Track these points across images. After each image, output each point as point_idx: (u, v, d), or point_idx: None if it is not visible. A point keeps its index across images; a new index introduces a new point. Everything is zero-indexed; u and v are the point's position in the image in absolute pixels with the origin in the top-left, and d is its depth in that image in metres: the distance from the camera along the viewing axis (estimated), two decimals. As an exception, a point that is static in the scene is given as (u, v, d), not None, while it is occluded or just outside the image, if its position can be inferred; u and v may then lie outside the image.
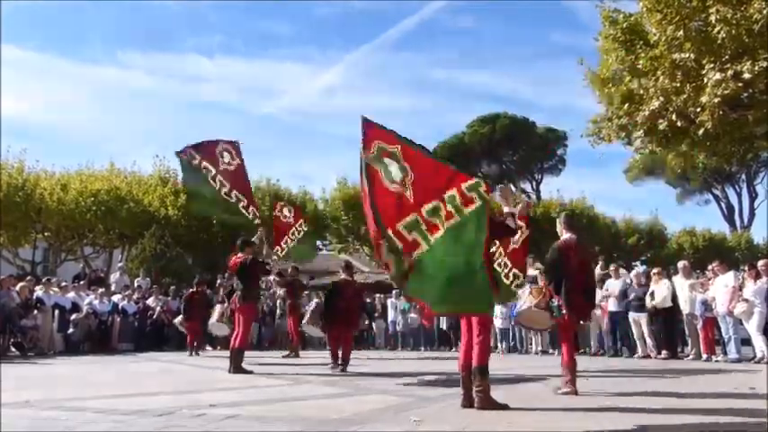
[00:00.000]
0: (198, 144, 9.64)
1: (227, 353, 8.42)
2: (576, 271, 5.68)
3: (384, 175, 4.72)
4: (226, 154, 9.37)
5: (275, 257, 11.59)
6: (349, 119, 78.82)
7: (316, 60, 78.34)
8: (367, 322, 15.18)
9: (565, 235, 5.95)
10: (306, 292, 15.97)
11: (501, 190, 5.03)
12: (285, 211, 11.57)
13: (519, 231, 5.01)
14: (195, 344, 12.21)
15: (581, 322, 6.05)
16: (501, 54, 72.44)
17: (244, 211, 9.38)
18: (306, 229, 11.51)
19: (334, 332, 8.84)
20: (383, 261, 4.72)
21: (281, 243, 11.09)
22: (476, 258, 4.42)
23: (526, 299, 6.22)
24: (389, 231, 4.57)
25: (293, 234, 11.23)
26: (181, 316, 12.77)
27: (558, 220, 6.13)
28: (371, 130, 4.90)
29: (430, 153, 5.06)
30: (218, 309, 11.70)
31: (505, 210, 5.00)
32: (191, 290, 13.02)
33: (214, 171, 9.32)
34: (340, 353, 8.50)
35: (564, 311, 5.58)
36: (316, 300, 10.88)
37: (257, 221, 9.41)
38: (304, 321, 10.40)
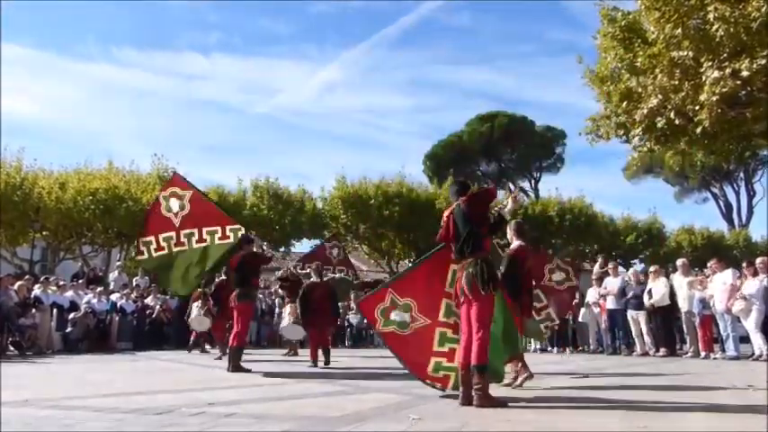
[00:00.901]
0: (146, 222, 8.77)
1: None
2: (526, 274, 6.19)
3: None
4: (173, 202, 8.33)
5: (274, 252, 11.63)
6: (347, 117, 78.75)
7: (313, 58, 78.39)
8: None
9: (515, 242, 6.32)
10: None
11: (515, 199, 5.36)
12: (335, 251, 12.49)
13: (490, 191, 5.21)
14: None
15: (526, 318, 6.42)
16: (498, 52, 72.48)
17: (221, 242, 8.13)
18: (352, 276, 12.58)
19: (312, 333, 9.48)
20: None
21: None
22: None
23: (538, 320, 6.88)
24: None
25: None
26: (196, 312, 11.81)
27: (508, 227, 6.30)
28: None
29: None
30: (196, 306, 11.80)
31: (507, 209, 5.17)
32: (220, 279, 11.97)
33: (173, 233, 8.28)
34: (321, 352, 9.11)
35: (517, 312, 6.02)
36: (290, 305, 10.82)
37: (240, 234, 8.24)
38: (192, 317, 11.63)
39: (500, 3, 69.09)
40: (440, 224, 5.15)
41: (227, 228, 8.04)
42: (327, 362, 8.96)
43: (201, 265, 8.05)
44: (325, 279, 10.32)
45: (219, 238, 7.97)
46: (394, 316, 5.42)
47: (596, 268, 14.01)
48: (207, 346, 13.08)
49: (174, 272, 8.17)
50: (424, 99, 76.91)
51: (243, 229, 8.16)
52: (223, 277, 11.99)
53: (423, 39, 73.30)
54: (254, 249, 8.62)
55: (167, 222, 8.21)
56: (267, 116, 77.85)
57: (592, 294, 12.95)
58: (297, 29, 79.23)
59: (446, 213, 5.02)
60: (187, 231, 8.07)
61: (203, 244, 7.98)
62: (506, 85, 75.19)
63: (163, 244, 8.20)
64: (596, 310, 12.72)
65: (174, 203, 8.18)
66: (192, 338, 12.77)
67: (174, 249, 8.10)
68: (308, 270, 11.10)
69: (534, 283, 6.63)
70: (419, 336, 5.32)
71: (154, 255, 8.26)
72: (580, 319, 13.14)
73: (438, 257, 5.45)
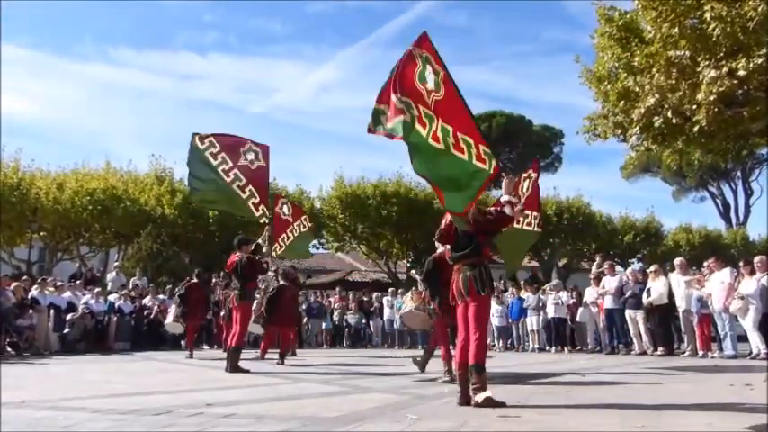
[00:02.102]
0: (222, 136, 9.50)
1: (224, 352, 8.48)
2: (450, 278, 6.13)
3: (419, 72, 4.76)
4: (250, 154, 9.43)
5: (273, 255, 11.64)
6: (344, 116, 78.72)
7: (310, 58, 78.37)
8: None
9: (440, 248, 6.47)
10: (302, 291, 16.02)
11: (505, 180, 5.19)
12: (284, 208, 11.46)
13: (514, 218, 5.08)
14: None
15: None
16: (495, 52, 72.50)
17: (252, 208, 9.24)
18: (306, 227, 11.49)
19: (273, 330, 10.29)
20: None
21: (278, 240, 11.08)
22: (463, 183, 4.68)
23: (408, 302, 7.52)
24: (283, 235, 5.54)
25: (291, 231, 11.19)
26: (172, 317, 12.33)
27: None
28: (427, 44, 4.92)
29: (467, 106, 4.98)
30: (173, 308, 12.11)
31: (504, 198, 5.03)
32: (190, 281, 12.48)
33: (231, 164, 9.22)
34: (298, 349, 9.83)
35: (438, 313, 6.44)
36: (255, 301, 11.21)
37: (264, 221, 9.40)
38: (167, 321, 12.19)
39: (496, 2, 69.17)
40: (439, 224, 5.16)
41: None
42: (282, 360, 9.39)
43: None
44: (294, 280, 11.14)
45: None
46: (427, 71, 4.81)
47: (594, 268, 14.03)
48: (205, 346, 13.11)
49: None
50: (422, 99, 76.63)
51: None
52: (194, 280, 12.26)
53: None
54: (260, 247, 8.79)
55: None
56: (264, 116, 77.85)
57: (590, 294, 12.97)
58: (293, 29, 79.28)
59: (448, 218, 4.98)
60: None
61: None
62: (504, 84, 75.27)
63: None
64: (594, 309, 12.74)
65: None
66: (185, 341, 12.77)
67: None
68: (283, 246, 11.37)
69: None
70: (415, 87, 4.74)
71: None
72: (578, 319, 13.15)
73: (475, 133, 4.87)
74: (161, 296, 15.40)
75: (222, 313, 12.74)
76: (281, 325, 10.04)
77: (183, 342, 13.11)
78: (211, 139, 9.37)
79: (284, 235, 11.05)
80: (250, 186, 9.26)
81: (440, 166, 4.71)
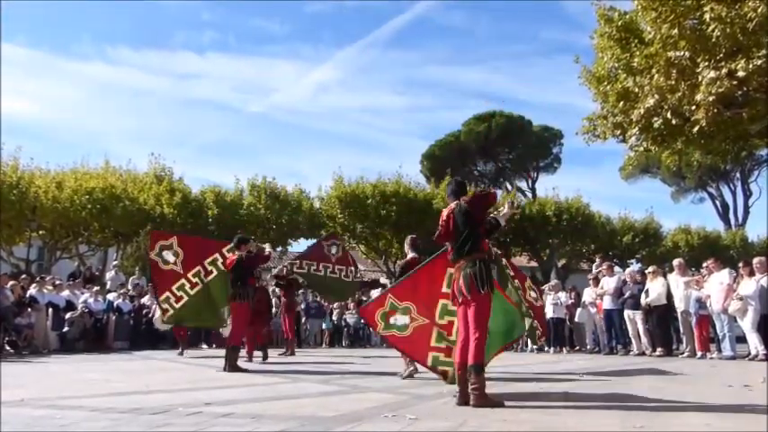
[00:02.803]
0: (158, 294, 9.21)
1: (223, 351, 8.45)
2: None
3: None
4: (166, 254, 8.83)
5: (272, 253, 11.64)
6: (343, 116, 78.69)
7: (308, 58, 78.37)
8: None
9: (410, 254, 7.30)
10: (301, 291, 16.02)
11: (509, 203, 5.42)
12: (332, 248, 11.41)
13: (491, 193, 5.21)
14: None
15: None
16: (493, 52, 72.52)
17: (221, 267, 8.72)
18: (351, 275, 11.32)
19: (250, 332, 10.00)
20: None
21: (319, 268, 11.01)
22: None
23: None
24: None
25: (333, 272, 11.12)
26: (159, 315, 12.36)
27: (405, 242, 7.68)
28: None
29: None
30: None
31: (503, 213, 5.16)
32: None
33: (185, 281, 8.82)
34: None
35: None
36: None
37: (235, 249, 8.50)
38: (155, 318, 12.37)
39: (494, 2, 69.19)
40: (438, 223, 5.13)
41: (224, 250, 8.54)
42: (266, 357, 9.94)
43: (224, 293, 8.42)
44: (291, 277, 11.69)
45: (222, 263, 8.47)
46: (393, 320, 5.87)
47: (594, 268, 14.05)
48: (203, 345, 13.11)
49: (206, 308, 8.81)
50: (420, 99, 76.97)
51: (235, 240, 8.44)
52: None
53: (417, 38, 73.31)
54: (252, 250, 8.69)
55: (172, 274, 8.68)
56: (262, 115, 77.83)
57: (588, 294, 12.97)
58: (291, 28, 79.32)
59: (446, 212, 4.98)
60: (194, 271, 8.55)
61: (213, 275, 8.50)
62: (503, 85, 75.30)
63: (179, 293, 8.60)
64: (593, 310, 12.74)
65: (168, 255, 8.63)
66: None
67: (191, 292, 8.62)
68: (305, 269, 11.27)
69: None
70: (418, 333, 5.85)
71: (177, 306, 8.66)
72: (576, 320, 13.15)
73: (435, 262, 5.90)
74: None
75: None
76: (254, 324, 9.80)
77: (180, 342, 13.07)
78: (164, 295, 8.93)
79: (331, 272, 10.91)
80: (205, 262, 8.79)
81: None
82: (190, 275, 8.65)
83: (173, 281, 8.63)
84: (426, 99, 76.94)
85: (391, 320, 5.90)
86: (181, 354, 11.37)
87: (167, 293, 8.65)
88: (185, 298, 8.68)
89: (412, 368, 6.70)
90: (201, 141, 77.19)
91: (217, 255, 8.69)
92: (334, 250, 11.52)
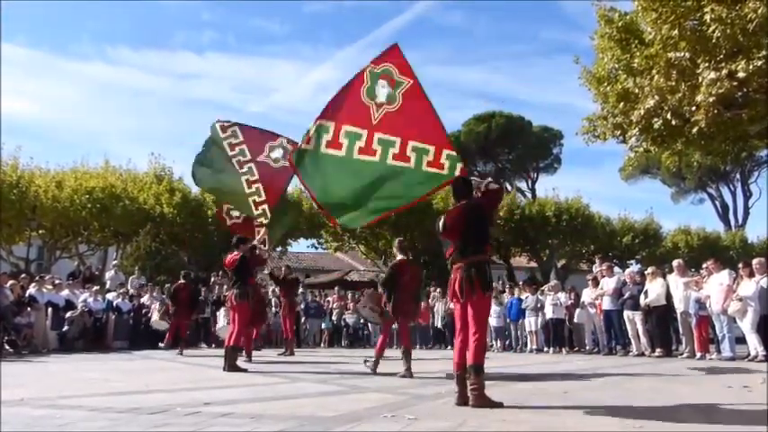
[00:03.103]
0: (251, 129, 9.22)
1: (222, 351, 8.48)
2: (407, 284, 7.36)
3: (367, 89, 5.36)
4: (278, 151, 8.96)
5: (272, 254, 11.66)
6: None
7: (308, 57, 78.39)
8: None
9: (399, 257, 7.63)
10: (300, 291, 16.03)
11: (473, 181, 5.18)
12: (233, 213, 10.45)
13: (501, 188, 5.16)
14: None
15: (413, 322, 8.57)
16: (493, 52, 72.54)
17: (252, 205, 8.96)
18: (267, 211, 10.00)
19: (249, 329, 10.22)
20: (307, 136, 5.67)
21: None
22: (399, 199, 5.47)
23: (367, 299, 8.65)
24: (332, 123, 5.39)
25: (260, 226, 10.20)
26: (156, 315, 12.86)
27: (393, 245, 7.99)
28: (395, 56, 5.38)
29: (435, 113, 5.38)
30: (156, 306, 12.28)
31: (483, 183, 5.08)
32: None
33: (249, 157, 8.95)
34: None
35: (390, 316, 7.41)
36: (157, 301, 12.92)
37: (263, 221, 8.98)
38: (153, 319, 12.65)
39: (493, 3, 69.22)
40: (437, 223, 5.09)
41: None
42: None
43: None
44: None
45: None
46: (380, 85, 5.37)
47: (595, 269, 14.07)
48: (203, 345, 13.12)
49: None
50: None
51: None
52: (182, 281, 12.45)
53: (417, 38, 73.33)
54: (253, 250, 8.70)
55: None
56: (262, 115, 77.81)
57: (587, 294, 12.97)
58: (291, 28, 79.34)
59: (455, 210, 4.88)
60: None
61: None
62: (502, 85, 75.31)
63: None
64: (592, 310, 12.74)
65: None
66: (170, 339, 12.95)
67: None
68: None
69: None
70: (359, 109, 5.40)
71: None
72: (575, 320, 13.15)
73: (437, 135, 5.32)
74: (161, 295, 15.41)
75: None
76: (252, 323, 9.82)
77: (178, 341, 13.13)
78: (235, 129, 9.09)
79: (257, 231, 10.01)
80: (259, 185, 8.89)
81: (360, 176, 5.19)
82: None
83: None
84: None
85: (380, 82, 5.36)
86: (180, 353, 11.43)
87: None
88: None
89: (406, 370, 6.97)
90: (200, 141, 76.91)
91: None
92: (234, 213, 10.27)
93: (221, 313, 12.51)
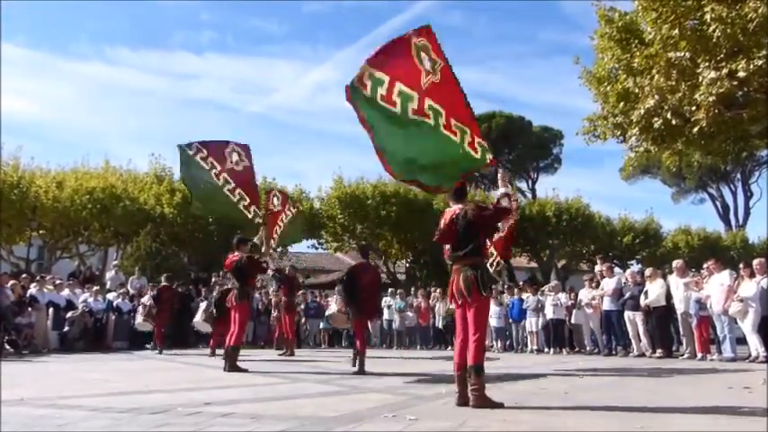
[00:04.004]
0: (207, 142, 9.74)
1: (222, 351, 8.50)
2: (367, 286, 7.85)
3: (416, 53, 5.07)
4: (234, 155, 9.54)
5: (273, 254, 11.74)
6: (342, 116, 78.71)
7: (307, 58, 78.41)
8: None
9: (360, 260, 8.30)
10: (301, 291, 16.03)
11: (500, 173, 5.23)
12: (274, 200, 11.44)
13: (513, 210, 5.13)
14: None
15: (372, 320, 9.12)
16: (492, 52, 72.56)
17: (244, 210, 9.45)
18: (294, 211, 11.54)
19: (220, 328, 10.75)
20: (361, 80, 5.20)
21: (273, 233, 11.09)
22: (448, 170, 5.23)
23: (333, 305, 9.39)
24: (386, 76, 5.02)
25: (281, 220, 11.23)
26: (200, 316, 12.27)
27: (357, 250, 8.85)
28: (429, 35, 5.24)
29: (467, 99, 5.31)
30: (202, 306, 12.39)
31: (501, 190, 5.04)
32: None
33: (220, 168, 9.45)
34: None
35: (354, 315, 7.97)
36: (205, 301, 12.70)
37: (258, 221, 9.46)
38: (196, 320, 12.10)
39: (492, 3, 69.23)
40: (437, 224, 5.11)
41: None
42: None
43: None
44: None
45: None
46: (423, 57, 5.20)
47: (596, 269, 14.07)
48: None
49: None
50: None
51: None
52: (164, 283, 13.05)
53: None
54: (256, 246, 8.77)
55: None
56: (261, 115, 77.80)
57: (584, 295, 12.95)
58: (290, 28, 79.34)
59: (448, 215, 4.93)
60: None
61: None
62: (501, 85, 75.33)
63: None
64: (589, 310, 12.71)
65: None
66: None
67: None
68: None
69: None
70: (411, 69, 5.19)
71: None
72: (573, 320, 13.14)
73: (472, 125, 5.26)
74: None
75: (275, 314, 13.60)
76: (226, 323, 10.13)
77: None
78: (197, 144, 9.59)
79: (276, 226, 11.04)
80: (238, 189, 9.45)
81: (413, 139, 5.04)
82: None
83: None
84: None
85: (422, 54, 5.15)
86: (159, 352, 11.86)
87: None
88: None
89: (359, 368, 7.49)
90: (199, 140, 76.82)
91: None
92: (276, 201, 11.21)
93: (201, 306, 12.56)
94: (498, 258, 8.61)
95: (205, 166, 9.49)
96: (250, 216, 9.50)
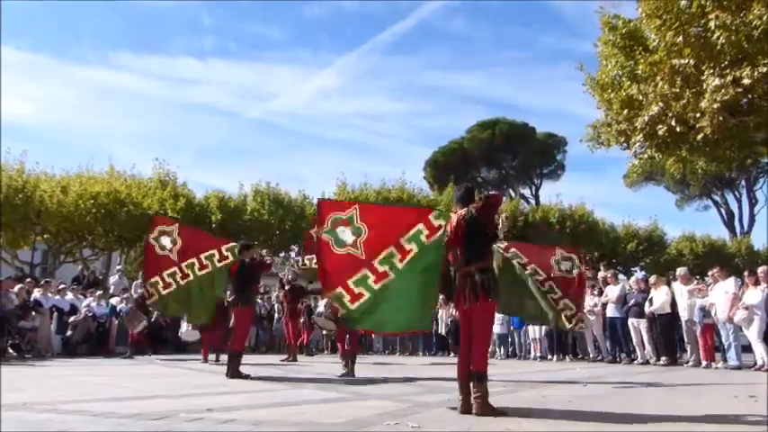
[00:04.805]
0: (146, 275, 8.57)
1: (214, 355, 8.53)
2: None
3: (334, 242, 5.47)
4: (164, 240, 8.38)
5: (273, 258, 11.74)
6: (343, 122, 78.77)
7: (308, 63, 78.64)
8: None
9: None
10: (307, 296, 16.02)
11: (504, 218, 5.37)
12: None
13: (498, 196, 5.16)
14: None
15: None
16: (495, 58, 72.67)
17: (219, 264, 8.30)
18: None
19: (207, 334, 11.20)
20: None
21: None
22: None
23: (323, 307, 9.69)
24: (339, 289, 5.38)
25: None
26: (186, 326, 12.40)
27: None
28: (325, 207, 5.84)
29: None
30: (185, 317, 12.19)
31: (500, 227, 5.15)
32: None
33: (177, 270, 8.28)
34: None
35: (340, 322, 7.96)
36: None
37: (235, 249, 8.34)
38: (182, 330, 11.91)
39: (494, 9, 69.40)
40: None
41: (223, 248, 8.21)
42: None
43: (212, 291, 8.22)
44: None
45: (218, 260, 8.11)
46: (340, 231, 5.47)
47: (600, 275, 14.02)
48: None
49: (193, 302, 8.26)
50: (420, 104, 76.98)
51: (237, 246, 8.30)
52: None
53: (417, 44, 73.52)
54: (254, 256, 8.69)
55: (166, 260, 8.16)
56: (263, 121, 77.97)
57: (587, 301, 12.87)
58: (291, 34, 79.63)
59: (455, 219, 4.94)
60: (188, 262, 8.13)
61: (206, 270, 8.09)
62: (503, 91, 75.39)
63: (169, 280, 8.12)
64: (592, 317, 12.64)
65: (166, 240, 8.24)
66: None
67: (182, 282, 8.10)
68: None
69: (546, 276, 7.17)
70: (346, 261, 5.39)
71: (163, 293, 8.13)
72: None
73: (410, 212, 5.85)
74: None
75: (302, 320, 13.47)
76: (216, 329, 10.79)
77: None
78: (154, 279, 8.38)
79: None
80: (201, 255, 8.36)
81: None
82: (183, 265, 8.17)
83: (165, 267, 8.18)
84: (426, 105, 77.03)
85: (338, 230, 5.46)
86: (130, 357, 11.84)
87: (157, 278, 8.13)
88: (173, 286, 8.16)
89: (348, 369, 8.05)
90: (201, 146, 77.05)
91: (215, 251, 8.24)
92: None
93: (184, 317, 12.41)
94: (568, 302, 7.46)
95: (172, 286, 8.26)
96: (231, 259, 8.31)
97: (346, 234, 5.44)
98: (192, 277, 8.15)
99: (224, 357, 11.90)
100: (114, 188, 20.56)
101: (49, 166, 22.50)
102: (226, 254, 8.21)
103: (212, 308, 8.47)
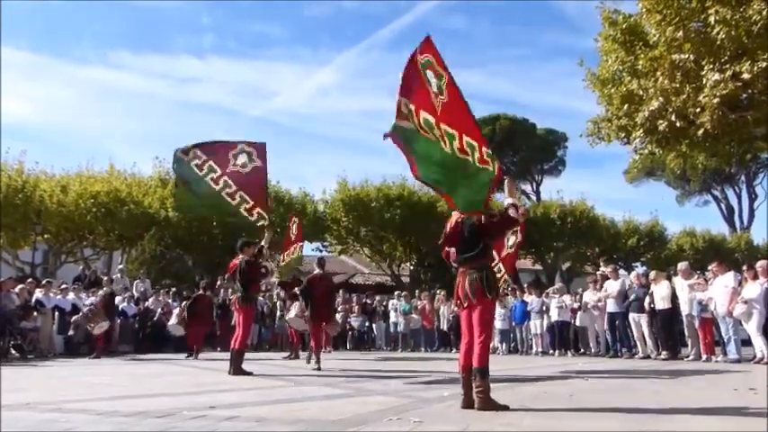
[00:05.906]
0: (210, 144, 9.37)
1: (227, 354, 8.49)
2: (319, 294, 8.97)
3: (422, 71, 4.87)
4: (242, 156, 9.13)
5: (277, 259, 11.81)
6: (343, 120, 78.74)
7: (308, 61, 78.55)
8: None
9: (315, 271, 9.36)
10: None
11: (507, 181, 5.18)
12: (293, 228, 12.25)
13: (519, 221, 5.08)
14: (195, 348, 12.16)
15: (326, 324, 9.63)
16: (496, 55, 72.54)
17: (245, 213, 9.11)
18: (297, 253, 12.14)
19: (193, 330, 12.35)
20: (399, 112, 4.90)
21: (284, 255, 11.99)
22: (474, 191, 4.82)
23: (293, 309, 10.39)
24: (406, 100, 4.80)
25: (290, 254, 11.96)
26: (174, 320, 12.98)
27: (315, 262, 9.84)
28: (431, 47, 5.03)
29: (470, 109, 5.02)
30: (176, 311, 12.82)
31: (508, 201, 5.02)
32: (197, 293, 13.29)
33: (220, 172, 9.02)
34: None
35: (310, 320, 9.11)
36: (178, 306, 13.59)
37: (263, 223, 9.11)
38: (170, 324, 13.19)
39: (494, 6, 69.23)
40: (443, 227, 5.12)
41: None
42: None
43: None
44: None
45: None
46: (430, 75, 4.99)
47: (601, 270, 14.04)
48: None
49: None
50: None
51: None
52: (200, 291, 13.29)
53: (417, 42, 73.11)
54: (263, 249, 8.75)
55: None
56: (263, 119, 77.92)
57: (588, 297, 12.92)
58: (291, 32, 79.53)
59: (454, 219, 4.94)
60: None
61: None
62: (504, 87, 75.30)
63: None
64: (596, 312, 12.69)
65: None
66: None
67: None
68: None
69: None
70: (423, 94, 4.98)
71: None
72: (578, 322, 13.11)
73: (478, 132, 5.04)
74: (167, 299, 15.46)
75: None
76: (202, 326, 12.44)
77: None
78: (196, 151, 9.19)
79: (284, 254, 11.92)
80: (240, 192, 8.97)
81: (446, 170, 4.86)
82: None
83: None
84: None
85: (429, 72, 4.94)
86: (97, 357, 11.70)
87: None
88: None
89: (318, 365, 8.55)
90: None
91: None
92: (295, 229, 12.34)
93: (175, 311, 13.05)
94: (505, 275, 8.93)
95: (199, 173, 9.04)
96: (253, 219, 9.23)
97: (433, 81, 4.91)
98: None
99: (204, 354, 12.18)
100: (114, 187, 20.56)
101: (49, 165, 22.50)
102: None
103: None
